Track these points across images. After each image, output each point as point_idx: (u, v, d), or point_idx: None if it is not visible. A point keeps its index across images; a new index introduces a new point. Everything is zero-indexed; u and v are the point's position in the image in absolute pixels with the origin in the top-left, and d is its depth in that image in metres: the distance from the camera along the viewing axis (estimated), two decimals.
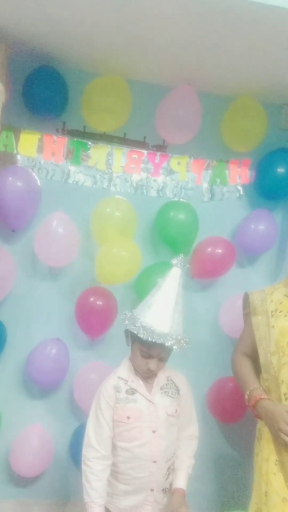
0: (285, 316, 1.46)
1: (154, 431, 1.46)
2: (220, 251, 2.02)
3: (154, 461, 1.46)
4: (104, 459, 1.44)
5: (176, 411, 1.52)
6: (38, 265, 2.06)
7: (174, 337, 1.43)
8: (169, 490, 1.50)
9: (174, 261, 1.53)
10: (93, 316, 1.97)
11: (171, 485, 1.51)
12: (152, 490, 1.47)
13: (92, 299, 1.97)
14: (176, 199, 2.11)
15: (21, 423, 2.04)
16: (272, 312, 1.50)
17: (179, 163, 2.12)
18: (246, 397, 1.50)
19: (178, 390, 1.55)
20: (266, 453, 1.43)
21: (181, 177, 2.13)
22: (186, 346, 1.46)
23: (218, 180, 2.14)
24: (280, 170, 2.01)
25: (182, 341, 1.45)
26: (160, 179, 2.13)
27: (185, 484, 1.50)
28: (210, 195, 2.15)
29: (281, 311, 1.48)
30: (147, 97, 2.06)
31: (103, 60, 1.92)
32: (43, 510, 2.10)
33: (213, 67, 1.86)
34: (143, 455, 1.45)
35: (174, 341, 1.42)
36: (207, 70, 1.90)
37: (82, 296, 1.99)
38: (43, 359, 1.95)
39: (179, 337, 1.45)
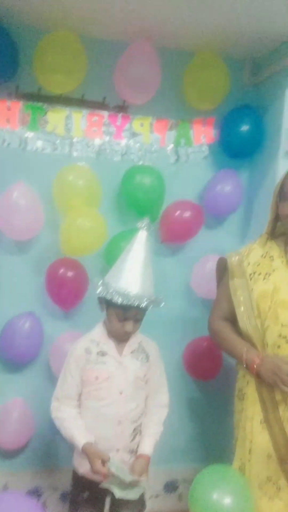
0: (264, 279, 1.47)
1: (121, 392, 1.50)
2: (188, 214, 2.00)
3: (119, 422, 1.50)
4: (73, 408, 1.52)
5: (145, 376, 1.56)
6: (3, 239, 1.98)
7: (148, 297, 1.47)
8: (136, 452, 1.54)
9: (139, 224, 1.54)
10: (64, 288, 1.94)
11: (138, 446, 1.55)
12: (117, 450, 1.50)
13: (61, 271, 1.93)
14: (140, 162, 2.05)
15: (1, 398, 2.04)
16: (250, 275, 1.50)
17: (142, 125, 2.05)
18: (244, 359, 1.47)
19: (148, 357, 1.58)
20: (250, 413, 1.47)
21: (145, 139, 2.06)
22: (161, 304, 1.51)
23: (182, 141, 2.09)
24: (245, 128, 1.97)
25: (156, 300, 1.50)
26: (123, 142, 2.05)
27: (150, 450, 1.54)
28: (175, 157, 2.10)
29: (259, 274, 1.48)
30: (104, 54, 1.95)
31: (54, 15, 1.79)
32: (29, 479, 2.15)
33: (171, 20, 1.76)
34: (109, 415, 1.49)
35: (148, 301, 1.46)
36: (165, 23, 1.80)
37: (51, 268, 1.95)
38: (16, 334, 1.92)
39: (153, 297, 1.49)
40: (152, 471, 1.93)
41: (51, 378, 2.04)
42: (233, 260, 1.56)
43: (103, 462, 1.40)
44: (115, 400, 1.50)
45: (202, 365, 2.13)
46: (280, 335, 1.42)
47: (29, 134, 1.95)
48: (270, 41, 1.88)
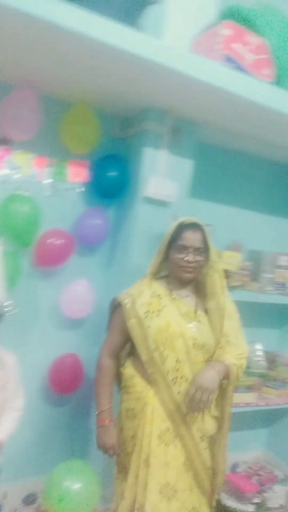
0: (158, 316, 1.74)
1: None
2: (60, 242, 2.24)
3: None
4: None
5: None
6: None
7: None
8: None
9: None
10: None
11: None
12: None
13: None
14: (19, 192, 2.25)
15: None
16: (145, 313, 1.76)
17: (22, 159, 2.27)
18: (97, 413, 1.82)
19: (3, 365, 1.74)
20: (148, 430, 1.71)
21: (24, 172, 2.28)
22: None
23: (59, 178, 2.36)
24: (112, 173, 2.32)
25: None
26: (3, 172, 2.24)
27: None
28: (52, 191, 2.36)
29: (153, 312, 1.75)
30: None
31: None
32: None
33: (56, 74, 2.02)
34: None
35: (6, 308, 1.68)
36: (49, 75, 2.06)
37: None
38: None
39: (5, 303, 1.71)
40: (10, 486, 2.02)
41: None
42: (126, 302, 1.81)
43: None
44: None
45: (65, 380, 2.33)
46: (177, 360, 1.72)
47: None
48: (135, 106, 2.28)
